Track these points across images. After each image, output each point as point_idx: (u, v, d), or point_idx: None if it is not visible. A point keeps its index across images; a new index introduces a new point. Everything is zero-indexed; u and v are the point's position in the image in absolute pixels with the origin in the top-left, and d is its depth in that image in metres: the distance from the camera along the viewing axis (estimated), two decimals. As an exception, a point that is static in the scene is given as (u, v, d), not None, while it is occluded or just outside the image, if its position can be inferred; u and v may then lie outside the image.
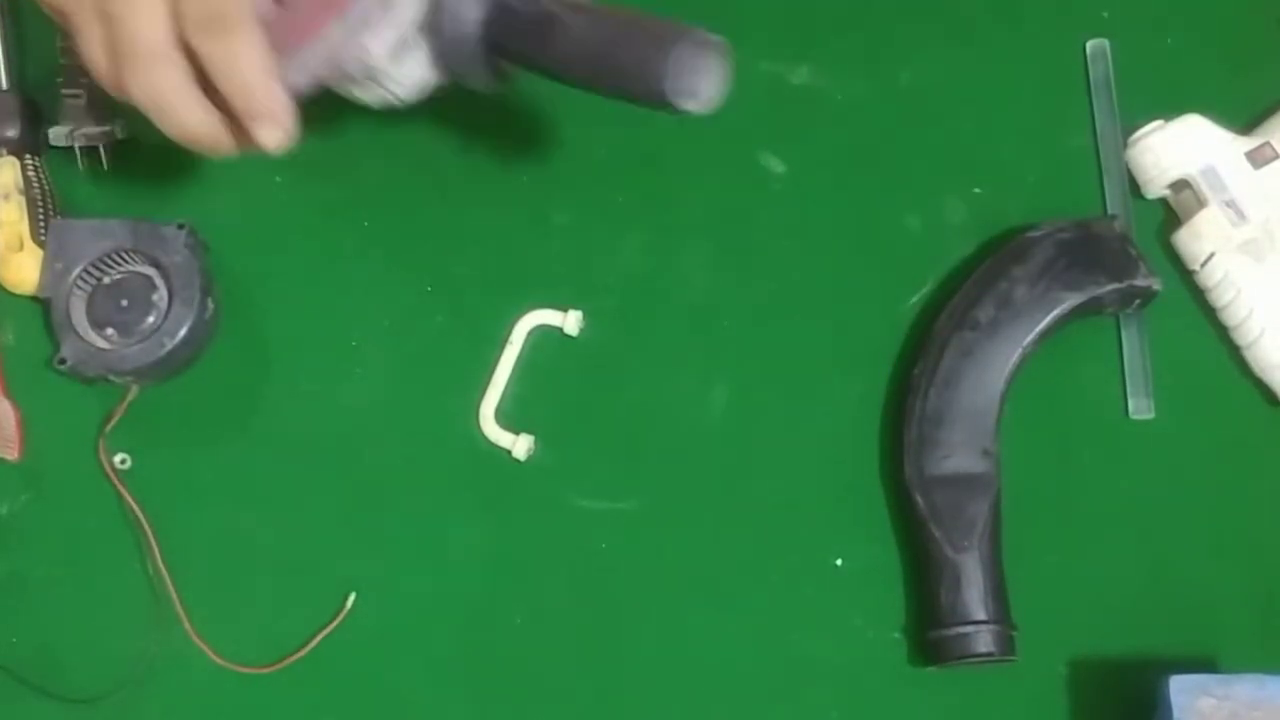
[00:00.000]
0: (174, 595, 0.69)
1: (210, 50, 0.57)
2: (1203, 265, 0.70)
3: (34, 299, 0.72)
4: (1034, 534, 0.69)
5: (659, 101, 0.59)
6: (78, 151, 0.73)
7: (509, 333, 0.72)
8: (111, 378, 0.70)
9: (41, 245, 0.71)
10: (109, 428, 0.71)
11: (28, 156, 0.73)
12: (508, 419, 0.71)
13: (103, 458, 0.71)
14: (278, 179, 0.75)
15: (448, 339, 0.72)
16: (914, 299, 0.72)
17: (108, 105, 0.73)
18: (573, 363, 0.71)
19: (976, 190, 0.74)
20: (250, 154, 0.61)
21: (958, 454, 0.67)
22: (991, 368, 0.68)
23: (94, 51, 0.59)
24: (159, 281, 0.71)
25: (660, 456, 0.71)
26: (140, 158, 0.74)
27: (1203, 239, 0.70)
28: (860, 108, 0.75)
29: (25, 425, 0.72)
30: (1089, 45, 0.75)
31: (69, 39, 0.59)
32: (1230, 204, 0.70)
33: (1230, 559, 0.69)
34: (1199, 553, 0.69)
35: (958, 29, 0.76)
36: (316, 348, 0.72)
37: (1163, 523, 0.69)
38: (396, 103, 0.65)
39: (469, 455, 0.71)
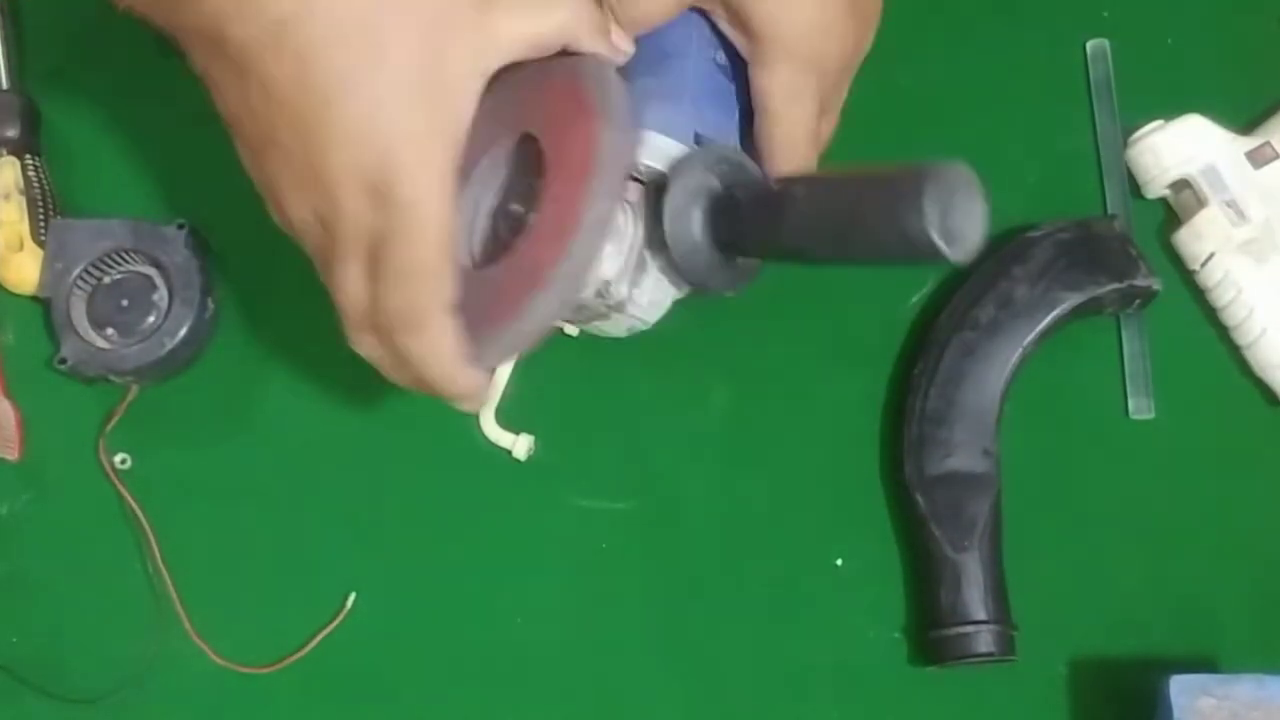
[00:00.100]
0: (174, 595, 0.69)
1: (402, 346, 0.57)
2: (1203, 265, 0.70)
3: (34, 299, 0.71)
4: (1034, 534, 0.68)
5: (925, 252, 0.52)
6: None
7: (509, 333, 0.72)
8: (111, 378, 0.70)
9: (42, 245, 0.71)
10: (109, 428, 0.71)
11: (28, 156, 0.73)
12: (508, 419, 0.70)
13: (103, 458, 0.71)
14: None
15: (448, 339, 0.72)
16: (914, 299, 0.72)
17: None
18: (573, 363, 0.71)
19: (976, 190, 0.74)
20: None
21: (958, 453, 0.67)
22: (992, 367, 0.68)
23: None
24: (159, 281, 0.71)
25: (660, 456, 0.71)
26: (140, 158, 0.74)
27: (1203, 239, 0.70)
28: (860, 108, 0.74)
29: (25, 425, 0.72)
30: (1089, 45, 0.75)
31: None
32: (1230, 204, 0.70)
33: (1230, 559, 0.69)
34: (1199, 553, 0.69)
35: (958, 29, 0.76)
36: (316, 348, 0.72)
37: (1163, 523, 0.69)
38: (645, 327, 0.63)
39: (469, 455, 0.71)
